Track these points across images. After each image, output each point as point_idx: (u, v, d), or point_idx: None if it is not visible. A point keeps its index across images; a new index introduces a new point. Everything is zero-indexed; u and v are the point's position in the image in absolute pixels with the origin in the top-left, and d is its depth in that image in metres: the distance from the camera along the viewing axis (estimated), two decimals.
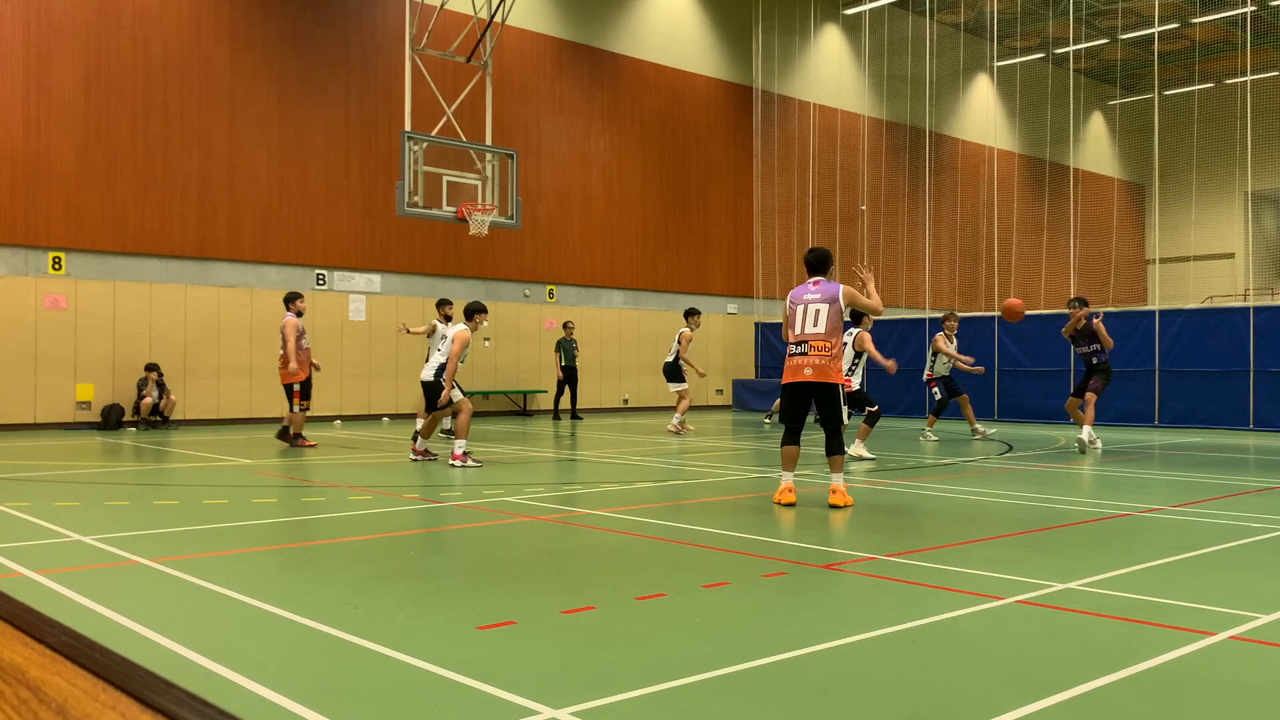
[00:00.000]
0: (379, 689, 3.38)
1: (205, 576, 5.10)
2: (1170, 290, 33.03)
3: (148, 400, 16.88)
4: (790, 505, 7.76)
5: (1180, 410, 18.30)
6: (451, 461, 10.96)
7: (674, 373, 16.66)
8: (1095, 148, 37.90)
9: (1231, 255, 35.51)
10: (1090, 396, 13.13)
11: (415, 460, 11.63)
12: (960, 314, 17.94)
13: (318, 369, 14.29)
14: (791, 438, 8.06)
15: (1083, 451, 12.85)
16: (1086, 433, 13.04)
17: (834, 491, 7.78)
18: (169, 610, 4.54)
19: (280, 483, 9.58)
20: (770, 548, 6.07)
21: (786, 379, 8.04)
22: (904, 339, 21.53)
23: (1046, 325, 19.96)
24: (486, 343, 21.70)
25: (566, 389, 20.72)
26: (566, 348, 20.44)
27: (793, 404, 8.05)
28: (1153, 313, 18.93)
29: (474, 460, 11.14)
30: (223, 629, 4.24)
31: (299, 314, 13.65)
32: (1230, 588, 4.99)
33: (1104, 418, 18.95)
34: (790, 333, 8.07)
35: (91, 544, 6.08)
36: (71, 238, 16.87)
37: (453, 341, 11.36)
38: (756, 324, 26.05)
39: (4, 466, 10.77)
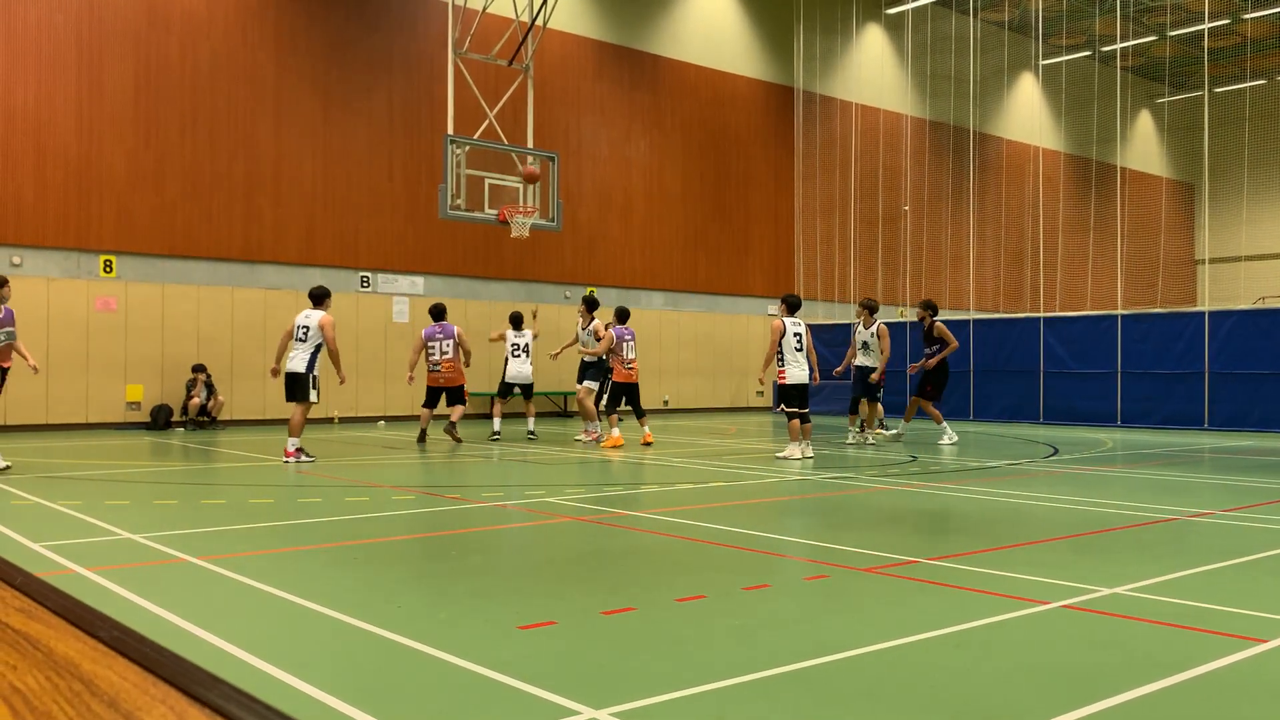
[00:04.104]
0: (420, 687, 3.41)
1: (251, 575, 5.17)
2: (1220, 291, 32.37)
3: (195, 401, 17.15)
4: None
5: (1231, 413, 17.94)
6: (285, 459, 11.15)
7: (584, 370, 14.98)
8: (1143, 146, 37.27)
9: None
10: (921, 403, 14.43)
11: (287, 463, 11.12)
12: (1005, 315, 17.65)
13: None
14: None
15: (895, 439, 14.41)
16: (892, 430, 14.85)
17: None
18: (216, 607, 4.61)
19: (325, 483, 9.69)
20: (811, 550, 6.04)
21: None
22: None
23: (1092, 327, 19.69)
24: None
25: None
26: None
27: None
28: (1202, 314, 18.58)
29: (306, 456, 11.31)
30: (268, 626, 4.30)
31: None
32: None
33: (1151, 420, 18.66)
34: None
35: (141, 542, 6.19)
36: (122, 241, 17.18)
37: (323, 330, 11.40)
38: None
39: (57, 465, 11.00)
